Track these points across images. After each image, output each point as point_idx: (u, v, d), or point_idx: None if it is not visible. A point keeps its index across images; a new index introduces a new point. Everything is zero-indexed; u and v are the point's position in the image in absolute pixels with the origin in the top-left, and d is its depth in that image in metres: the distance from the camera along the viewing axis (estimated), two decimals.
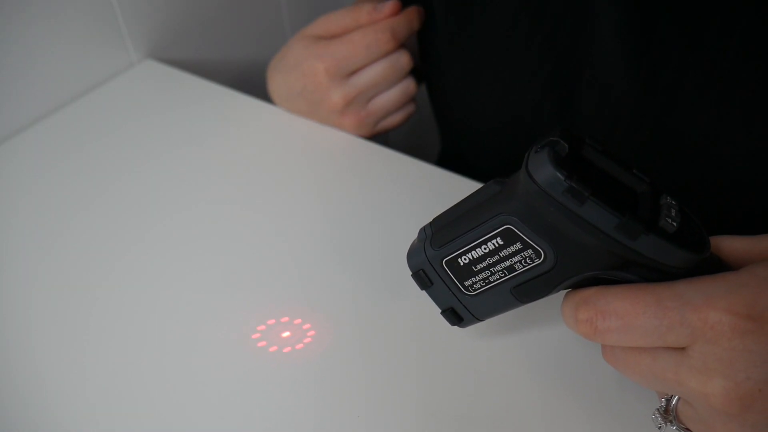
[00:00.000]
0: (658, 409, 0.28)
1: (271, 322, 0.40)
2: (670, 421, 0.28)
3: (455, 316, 0.31)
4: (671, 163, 0.46)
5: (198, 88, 0.60)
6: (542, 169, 0.24)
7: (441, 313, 0.31)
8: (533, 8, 0.46)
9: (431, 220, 0.30)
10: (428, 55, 0.56)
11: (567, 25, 0.45)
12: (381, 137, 0.56)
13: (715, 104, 0.43)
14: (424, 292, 0.31)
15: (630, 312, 0.25)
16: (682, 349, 0.25)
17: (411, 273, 0.31)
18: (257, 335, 0.39)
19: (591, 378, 0.35)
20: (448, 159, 0.66)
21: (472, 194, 0.29)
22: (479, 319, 0.31)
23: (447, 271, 0.29)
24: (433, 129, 0.69)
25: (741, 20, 0.39)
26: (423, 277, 0.30)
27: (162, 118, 0.56)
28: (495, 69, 0.50)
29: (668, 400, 0.28)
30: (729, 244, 0.28)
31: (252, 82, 0.78)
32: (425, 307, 0.39)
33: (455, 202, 0.30)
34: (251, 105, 0.57)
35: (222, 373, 0.37)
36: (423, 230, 0.31)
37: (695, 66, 0.42)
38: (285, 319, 0.40)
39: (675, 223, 0.24)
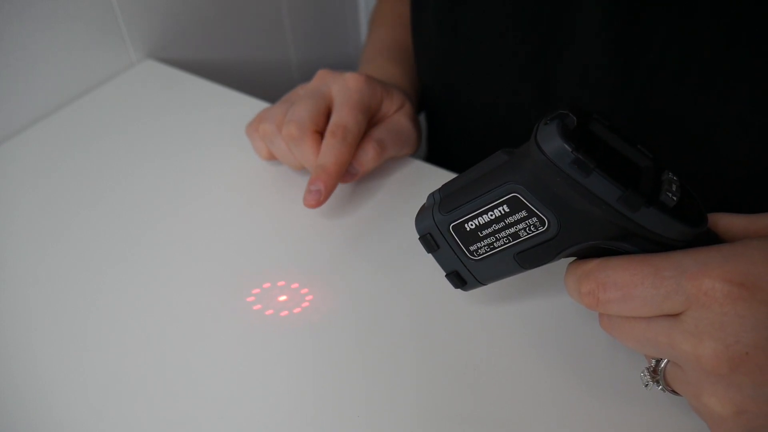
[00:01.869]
0: (647, 368, 0.29)
1: (267, 285, 0.39)
2: (657, 382, 0.29)
3: (459, 279, 0.32)
4: (651, 146, 0.46)
5: (198, 88, 0.60)
6: (551, 141, 0.25)
7: (445, 276, 0.32)
8: None
9: (440, 186, 0.31)
10: (419, 31, 0.56)
11: (550, 7, 0.45)
12: None
13: (695, 88, 0.43)
14: (421, 260, 0.31)
15: (629, 283, 0.26)
16: (676, 315, 0.26)
17: (418, 236, 0.31)
18: (252, 298, 0.39)
19: (584, 345, 0.36)
20: (436, 158, 0.66)
21: (480, 163, 0.29)
22: (482, 283, 0.32)
23: (453, 235, 0.30)
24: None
25: (728, 7, 0.39)
26: (430, 241, 0.31)
27: (162, 118, 0.56)
28: (476, 49, 0.51)
29: (657, 362, 0.28)
30: (726, 221, 0.29)
31: (252, 82, 0.78)
32: (423, 275, 0.40)
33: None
34: (251, 105, 0.57)
35: (215, 335, 0.37)
36: (432, 195, 0.31)
37: (677, 49, 0.42)
38: (281, 283, 0.39)
39: (675, 198, 0.25)
